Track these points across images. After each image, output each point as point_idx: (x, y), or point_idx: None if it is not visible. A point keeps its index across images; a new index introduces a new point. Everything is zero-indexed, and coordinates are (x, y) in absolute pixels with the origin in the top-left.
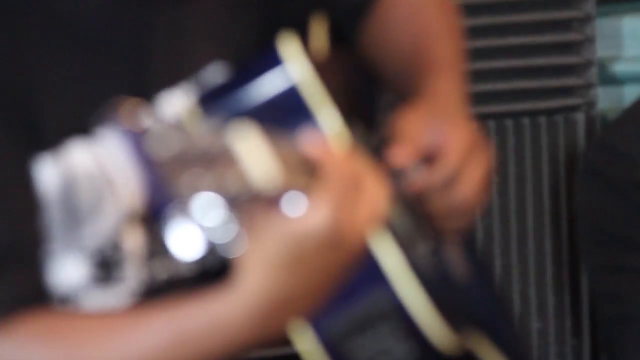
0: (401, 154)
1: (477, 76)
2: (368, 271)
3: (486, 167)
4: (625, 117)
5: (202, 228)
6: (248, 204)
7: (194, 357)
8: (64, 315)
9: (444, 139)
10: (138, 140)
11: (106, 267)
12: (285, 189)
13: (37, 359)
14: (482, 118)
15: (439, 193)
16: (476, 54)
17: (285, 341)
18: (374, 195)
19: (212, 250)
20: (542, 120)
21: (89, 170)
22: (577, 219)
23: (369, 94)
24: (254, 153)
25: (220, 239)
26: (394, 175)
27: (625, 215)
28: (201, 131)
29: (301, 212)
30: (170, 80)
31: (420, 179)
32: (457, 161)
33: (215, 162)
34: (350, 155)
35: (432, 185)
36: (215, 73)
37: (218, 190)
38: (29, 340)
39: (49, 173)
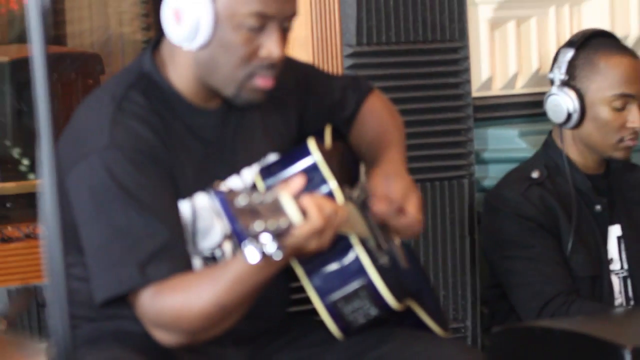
0: (380, 204)
1: (413, 160)
2: (356, 267)
3: (419, 200)
4: (504, 180)
5: (260, 247)
6: (284, 232)
7: (244, 286)
8: (182, 275)
9: (394, 187)
10: (225, 199)
11: (214, 259)
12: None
13: (170, 300)
14: (416, 182)
15: (394, 218)
16: (411, 148)
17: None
18: (340, 221)
19: (264, 257)
20: (446, 183)
21: (206, 208)
22: (481, 232)
23: (354, 166)
24: (288, 204)
25: (268, 252)
26: (367, 210)
27: (510, 230)
28: (260, 190)
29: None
30: (247, 162)
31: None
32: (401, 197)
33: (267, 208)
34: (339, 204)
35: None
36: (271, 158)
37: (267, 227)
38: (166, 291)
39: (184, 208)
